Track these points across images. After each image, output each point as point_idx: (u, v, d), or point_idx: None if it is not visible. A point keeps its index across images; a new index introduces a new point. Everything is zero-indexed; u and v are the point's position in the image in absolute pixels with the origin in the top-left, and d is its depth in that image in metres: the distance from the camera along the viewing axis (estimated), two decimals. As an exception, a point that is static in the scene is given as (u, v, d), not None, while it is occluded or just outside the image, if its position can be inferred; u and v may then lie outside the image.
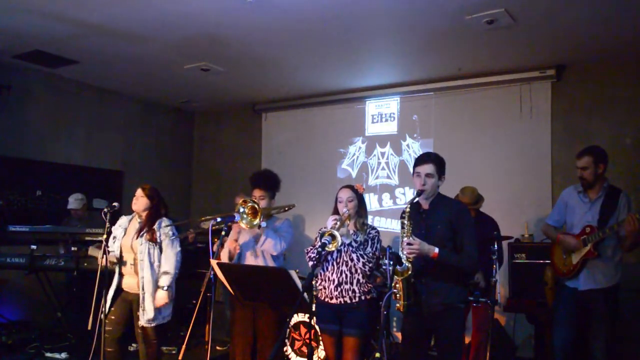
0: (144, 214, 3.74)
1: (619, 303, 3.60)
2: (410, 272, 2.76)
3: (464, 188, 4.58)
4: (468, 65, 5.50)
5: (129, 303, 3.72)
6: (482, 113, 5.84)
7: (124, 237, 3.74)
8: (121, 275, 3.76)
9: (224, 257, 3.55)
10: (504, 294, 4.80)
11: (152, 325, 3.65)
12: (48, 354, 4.94)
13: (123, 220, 3.84)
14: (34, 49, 5.22)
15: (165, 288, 3.64)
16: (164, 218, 3.81)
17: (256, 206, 3.34)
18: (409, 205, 2.86)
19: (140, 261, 3.63)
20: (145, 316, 3.60)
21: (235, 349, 3.57)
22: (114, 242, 3.73)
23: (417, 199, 2.94)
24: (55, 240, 5.22)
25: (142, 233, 3.67)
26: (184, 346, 3.48)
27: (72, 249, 4.84)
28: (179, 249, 3.77)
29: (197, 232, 5.52)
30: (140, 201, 3.73)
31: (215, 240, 3.70)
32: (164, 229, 3.74)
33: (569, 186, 3.72)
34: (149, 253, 3.64)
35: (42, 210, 5.96)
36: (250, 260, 3.59)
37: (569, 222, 3.62)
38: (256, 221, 3.32)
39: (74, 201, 5.53)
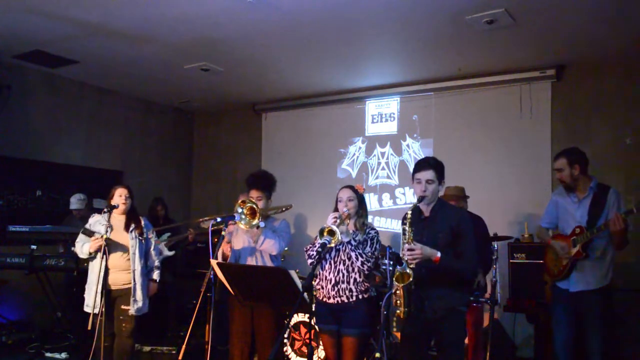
0: (125, 213, 3.96)
1: (614, 303, 3.59)
2: (411, 279, 2.75)
3: (447, 188, 4.54)
4: (468, 65, 5.50)
5: (113, 299, 3.87)
6: (482, 113, 5.83)
7: (111, 233, 3.83)
8: (106, 271, 3.80)
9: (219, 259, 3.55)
10: (504, 294, 4.80)
11: (139, 315, 3.87)
12: (48, 354, 4.94)
13: (98, 217, 3.96)
14: (34, 49, 5.22)
15: (158, 280, 4.01)
16: (142, 216, 4.13)
17: (255, 207, 3.34)
18: (410, 211, 2.85)
19: (132, 254, 3.86)
20: (136, 305, 3.83)
21: (234, 349, 3.57)
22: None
23: (417, 205, 2.94)
24: (55, 240, 5.22)
25: (131, 229, 3.90)
26: (184, 346, 3.49)
27: (72, 248, 4.84)
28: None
29: (197, 232, 5.51)
30: (128, 201, 3.96)
31: (216, 239, 3.71)
32: (150, 225, 4.09)
33: (559, 187, 3.68)
34: (140, 247, 3.89)
35: (42, 210, 5.95)
36: (249, 260, 3.59)
37: (560, 223, 3.59)
38: (255, 222, 3.32)
39: (76, 201, 5.51)
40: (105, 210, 3.84)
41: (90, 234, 3.82)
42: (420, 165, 2.98)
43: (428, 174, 2.91)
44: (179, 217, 6.99)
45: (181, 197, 7.81)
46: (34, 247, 4.86)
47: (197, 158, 8.12)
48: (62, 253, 5.14)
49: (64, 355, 4.90)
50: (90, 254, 3.80)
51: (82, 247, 3.84)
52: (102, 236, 3.71)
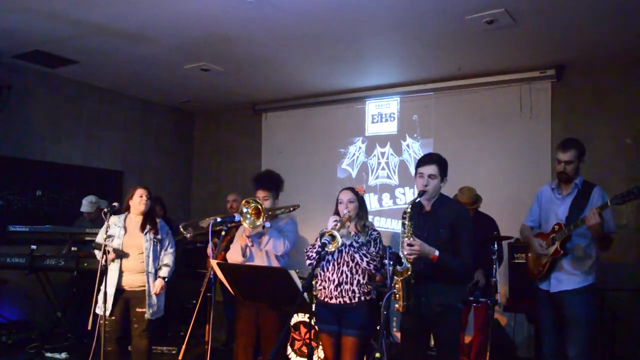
0: (143, 213, 3.94)
1: (597, 304, 3.43)
2: (410, 273, 2.75)
3: (462, 188, 4.59)
4: (468, 65, 5.50)
5: (127, 301, 3.84)
6: (482, 113, 5.83)
7: (125, 236, 3.85)
8: (121, 273, 3.81)
9: (237, 254, 3.53)
10: (504, 294, 4.80)
11: (155, 318, 3.85)
12: (48, 354, 4.94)
13: (115, 219, 3.92)
14: (34, 49, 5.22)
15: (166, 279, 3.92)
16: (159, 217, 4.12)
17: (259, 206, 3.33)
18: (410, 206, 2.85)
19: (147, 257, 3.83)
20: (152, 309, 3.82)
21: (238, 348, 3.57)
22: (111, 241, 3.83)
23: (419, 200, 2.94)
24: (55, 240, 5.22)
25: (146, 231, 3.88)
26: (184, 346, 3.49)
27: (72, 248, 4.84)
28: (175, 246, 4.12)
29: (197, 232, 5.50)
30: (147, 202, 3.94)
31: (215, 240, 3.71)
32: (165, 227, 4.02)
33: (546, 184, 3.55)
34: (154, 249, 3.87)
35: (42, 210, 5.96)
36: (254, 260, 3.58)
37: (543, 222, 3.45)
38: (259, 222, 3.31)
39: (88, 204, 5.43)
40: (106, 209, 3.82)
41: (98, 247, 3.80)
42: (424, 160, 2.98)
43: (430, 169, 2.91)
44: (179, 217, 6.99)
45: (181, 197, 7.82)
46: (34, 247, 4.86)
47: (197, 158, 8.12)
48: (64, 253, 5.13)
49: (64, 355, 4.90)
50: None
51: (98, 255, 3.86)
52: (109, 252, 3.72)
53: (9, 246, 5.06)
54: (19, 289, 5.47)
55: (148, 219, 3.93)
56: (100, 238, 3.89)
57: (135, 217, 3.94)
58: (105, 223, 3.86)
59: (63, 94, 6.23)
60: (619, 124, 5.14)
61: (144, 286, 3.81)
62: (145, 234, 3.87)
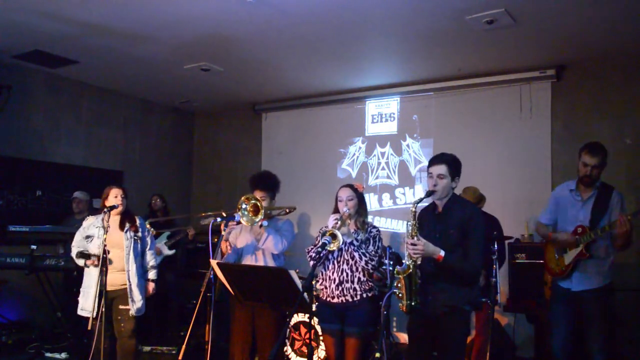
0: (120, 213, 3.96)
1: (614, 303, 3.55)
2: (411, 270, 2.73)
3: (466, 188, 4.59)
4: (468, 65, 5.50)
5: (111, 300, 3.85)
6: (482, 113, 5.83)
7: (106, 235, 3.81)
8: (103, 273, 3.77)
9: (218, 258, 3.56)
10: (504, 294, 4.80)
11: (138, 315, 3.86)
12: (48, 354, 4.94)
13: (93, 220, 3.95)
14: (34, 49, 5.22)
15: (154, 279, 4.01)
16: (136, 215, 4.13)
17: (258, 204, 3.35)
18: (415, 205, 2.80)
19: (127, 255, 3.86)
20: (135, 306, 3.83)
21: (234, 348, 3.58)
22: (90, 241, 3.86)
23: (432, 200, 2.92)
24: (55, 240, 5.22)
25: (126, 229, 3.90)
26: (184, 346, 3.49)
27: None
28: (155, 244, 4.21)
29: (197, 231, 5.52)
30: (123, 201, 3.96)
31: (216, 239, 3.72)
32: (144, 225, 4.09)
33: (561, 184, 3.62)
34: (134, 247, 3.90)
35: (42, 210, 5.96)
36: (250, 259, 3.60)
37: (560, 221, 3.51)
38: (257, 219, 3.34)
39: (79, 192, 5.62)
40: (105, 210, 3.82)
41: (86, 257, 3.80)
42: (434, 159, 2.96)
43: (439, 169, 2.89)
44: (178, 218, 6.98)
45: (181, 197, 7.81)
46: (34, 247, 4.86)
47: (197, 158, 8.12)
48: (62, 253, 5.14)
49: (64, 355, 4.90)
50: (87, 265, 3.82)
51: (78, 259, 3.87)
52: (97, 257, 3.71)
53: (9, 246, 5.06)
54: (19, 289, 5.47)
55: (126, 217, 3.97)
56: (77, 240, 3.92)
57: (113, 216, 3.93)
58: (84, 223, 3.93)
59: (63, 94, 6.23)
60: (619, 124, 5.14)
61: (126, 284, 3.83)
62: (126, 232, 3.90)
